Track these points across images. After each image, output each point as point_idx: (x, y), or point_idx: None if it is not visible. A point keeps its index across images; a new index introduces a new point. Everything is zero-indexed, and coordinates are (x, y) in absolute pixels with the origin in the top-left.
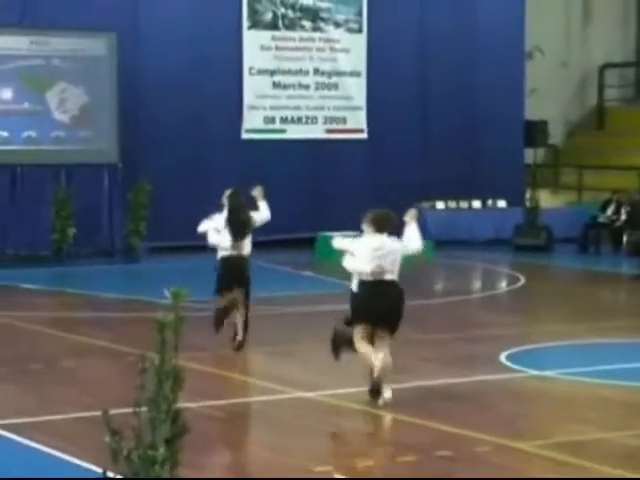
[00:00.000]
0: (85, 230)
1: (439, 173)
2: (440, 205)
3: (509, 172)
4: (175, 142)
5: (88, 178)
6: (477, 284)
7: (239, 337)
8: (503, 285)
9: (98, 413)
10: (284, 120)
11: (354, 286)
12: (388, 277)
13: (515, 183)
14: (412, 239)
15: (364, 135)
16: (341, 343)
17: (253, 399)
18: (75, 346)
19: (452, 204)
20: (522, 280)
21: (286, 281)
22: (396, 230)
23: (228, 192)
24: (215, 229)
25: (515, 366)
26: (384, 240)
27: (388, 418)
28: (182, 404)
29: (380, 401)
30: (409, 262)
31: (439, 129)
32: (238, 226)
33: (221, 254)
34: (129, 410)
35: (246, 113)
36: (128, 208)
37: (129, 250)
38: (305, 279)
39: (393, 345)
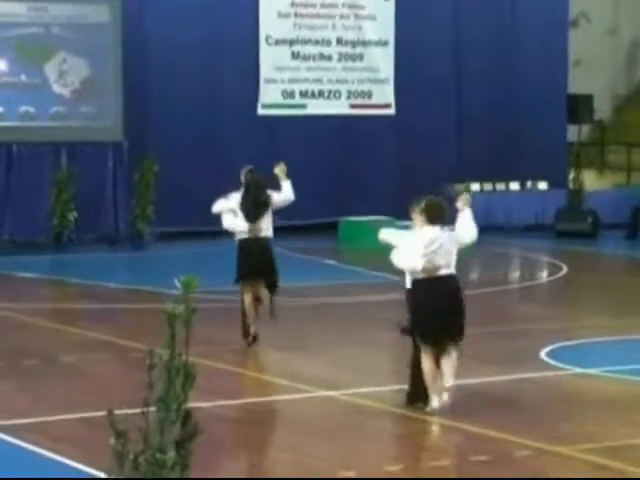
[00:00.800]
0: (87, 214)
1: (474, 152)
2: (475, 187)
3: (551, 151)
4: (185, 118)
5: (90, 158)
6: (515, 274)
7: (253, 329)
8: (544, 275)
9: (101, 413)
10: (304, 94)
11: (408, 284)
12: (444, 272)
13: (557, 163)
14: (467, 228)
15: (391, 111)
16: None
17: (270, 398)
18: (75, 340)
19: (488, 186)
20: (564, 269)
21: (307, 270)
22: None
23: (246, 168)
24: (230, 210)
25: (557, 363)
26: (437, 233)
27: (418, 420)
28: (193, 404)
29: (435, 404)
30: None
31: (474, 104)
32: (253, 206)
33: (238, 237)
34: (136, 410)
35: (263, 87)
36: (134, 190)
37: (135, 236)
38: (328, 268)
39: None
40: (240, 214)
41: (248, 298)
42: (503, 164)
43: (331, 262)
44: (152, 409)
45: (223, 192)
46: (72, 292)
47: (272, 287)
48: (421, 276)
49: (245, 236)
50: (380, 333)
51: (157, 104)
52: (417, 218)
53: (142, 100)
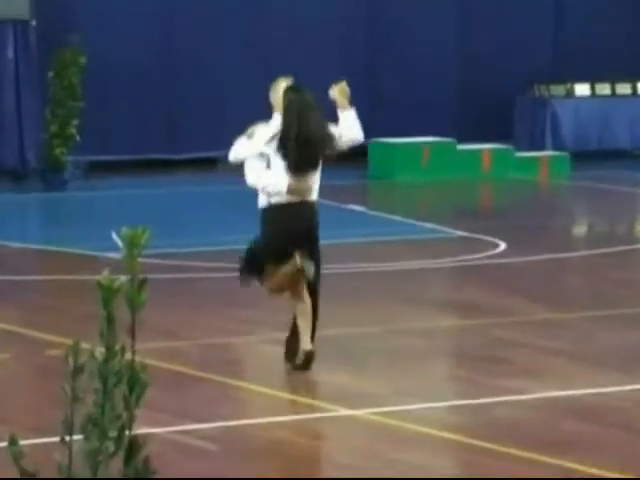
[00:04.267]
0: None
1: (579, 37)
2: (582, 90)
3: None
4: None
5: None
6: (638, 226)
7: (305, 346)
8: None
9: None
10: None
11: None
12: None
13: None
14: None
15: None
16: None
17: (263, 420)
18: None
19: (603, 89)
20: None
21: (324, 221)
22: None
23: (282, 83)
24: (259, 156)
25: None
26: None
27: (484, 449)
28: (144, 428)
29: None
30: (529, 185)
31: None
32: (305, 149)
33: (268, 201)
34: (53, 439)
35: None
36: (49, 97)
37: (51, 169)
38: (353, 217)
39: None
40: (276, 162)
41: (279, 280)
42: (627, 55)
43: (357, 208)
44: (78, 437)
45: (190, 101)
46: None
47: (314, 285)
48: (281, 200)
49: (281, 200)
50: (429, 320)
51: None
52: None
53: None
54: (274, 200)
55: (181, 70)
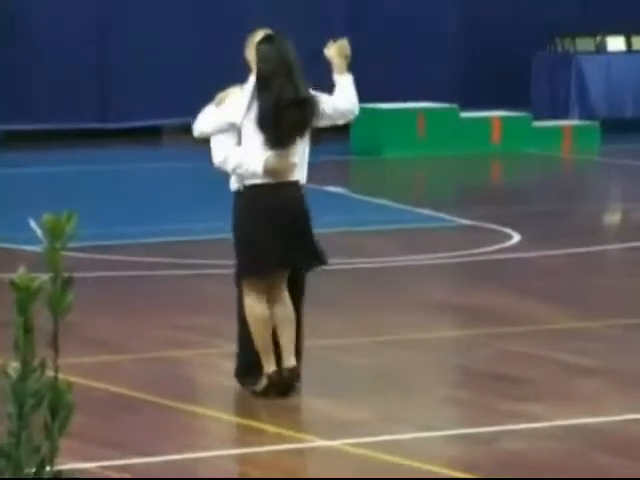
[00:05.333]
0: None
1: None
2: (615, 45)
3: None
4: None
5: None
6: None
7: (288, 362)
8: None
9: None
10: None
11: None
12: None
13: None
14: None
15: None
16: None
17: (221, 453)
18: None
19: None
20: None
21: None
22: None
23: (257, 36)
24: (230, 128)
25: None
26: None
27: None
28: (70, 463)
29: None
30: (549, 161)
31: None
32: (287, 114)
33: (242, 183)
34: None
35: None
36: None
37: None
38: (332, 201)
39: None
40: (250, 135)
41: (258, 305)
42: None
43: (337, 190)
44: None
45: (128, 59)
46: None
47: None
48: (256, 181)
49: (258, 181)
50: (425, 329)
51: None
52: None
53: None
54: (247, 182)
55: (118, 20)
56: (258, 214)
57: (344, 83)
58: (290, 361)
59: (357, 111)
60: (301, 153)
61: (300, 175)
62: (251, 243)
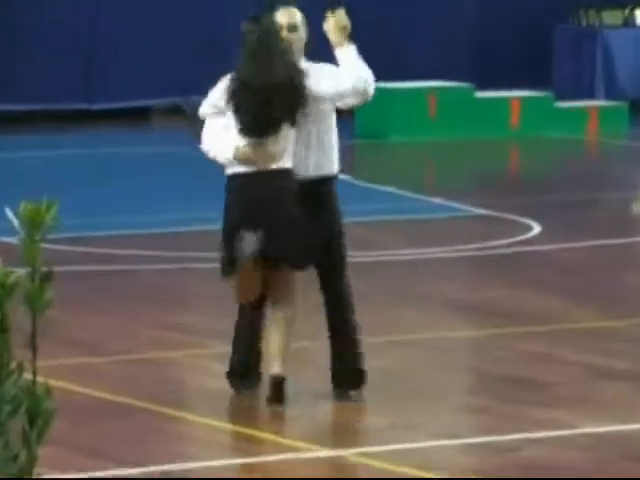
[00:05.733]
0: None
1: None
2: None
3: None
4: None
5: None
6: None
7: (275, 368)
8: None
9: None
10: None
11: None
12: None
13: None
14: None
15: None
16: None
17: (214, 464)
18: None
19: None
20: None
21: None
22: None
23: (277, 15)
24: (218, 111)
25: None
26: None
27: None
28: (50, 473)
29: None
30: (573, 146)
31: None
32: (258, 102)
33: (228, 172)
34: None
35: None
36: None
37: None
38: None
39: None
40: (232, 122)
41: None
42: None
43: (342, 177)
44: None
45: (114, 36)
46: None
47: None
48: (236, 170)
49: (237, 169)
50: (439, 328)
51: None
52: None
53: None
54: (229, 170)
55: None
56: (232, 204)
57: (344, 56)
58: (273, 368)
59: (370, 85)
60: (283, 140)
61: (288, 163)
62: (225, 236)
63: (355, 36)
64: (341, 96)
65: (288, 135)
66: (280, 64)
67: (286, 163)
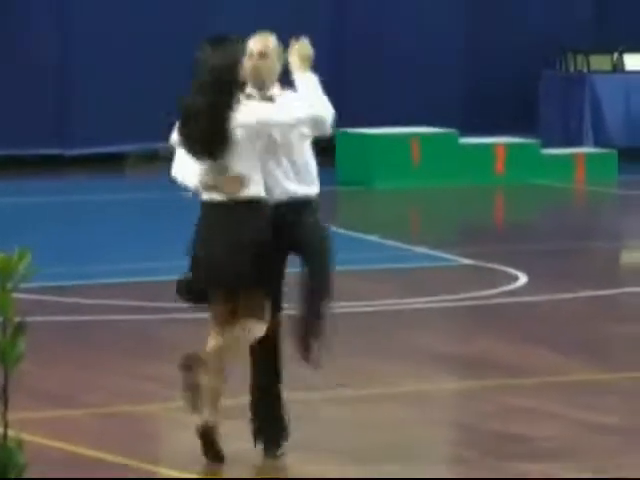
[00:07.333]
0: None
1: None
2: (635, 63)
3: None
4: None
5: None
6: None
7: (207, 417)
8: None
9: None
10: None
11: None
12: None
13: None
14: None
15: None
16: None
17: None
18: None
19: None
20: None
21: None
22: None
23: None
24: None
25: None
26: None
27: None
28: None
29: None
30: (560, 194)
31: None
32: (186, 127)
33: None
34: None
35: None
36: None
37: None
38: None
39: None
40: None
41: (210, 339)
42: None
43: None
44: None
45: (88, 82)
46: None
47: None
48: (205, 197)
49: (205, 197)
50: (421, 380)
51: None
52: None
53: None
54: (201, 197)
55: (79, 39)
56: (195, 233)
57: (304, 85)
58: (203, 415)
59: (329, 116)
60: (249, 167)
61: (255, 192)
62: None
63: (336, 80)
64: (293, 126)
65: (249, 160)
66: (218, 91)
67: (252, 192)
